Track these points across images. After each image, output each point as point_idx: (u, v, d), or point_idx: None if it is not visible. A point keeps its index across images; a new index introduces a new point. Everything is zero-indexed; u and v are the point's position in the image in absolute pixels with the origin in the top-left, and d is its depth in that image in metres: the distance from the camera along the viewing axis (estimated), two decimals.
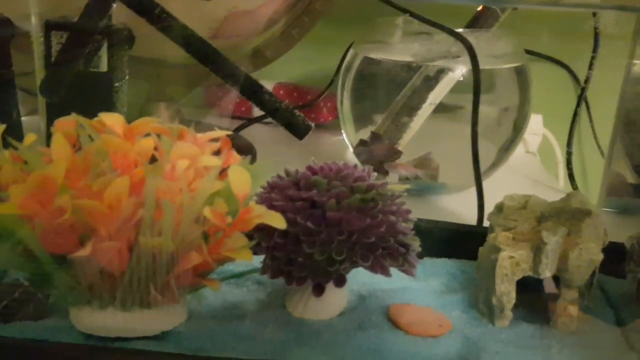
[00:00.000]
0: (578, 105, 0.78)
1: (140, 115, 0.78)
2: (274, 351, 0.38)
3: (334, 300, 0.41)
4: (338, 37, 0.81)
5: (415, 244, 0.40)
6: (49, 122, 0.46)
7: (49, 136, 0.46)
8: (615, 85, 0.66)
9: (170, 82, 0.75)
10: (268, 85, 0.95)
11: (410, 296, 0.44)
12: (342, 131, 0.75)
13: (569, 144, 0.78)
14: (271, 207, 0.38)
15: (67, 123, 0.38)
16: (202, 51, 0.42)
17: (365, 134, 0.70)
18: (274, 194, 0.40)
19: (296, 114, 0.44)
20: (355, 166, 0.41)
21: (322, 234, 0.38)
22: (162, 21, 0.41)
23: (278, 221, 0.35)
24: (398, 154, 0.66)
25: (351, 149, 0.75)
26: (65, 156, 0.34)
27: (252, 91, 0.43)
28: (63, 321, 0.39)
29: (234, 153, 0.41)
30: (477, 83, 0.57)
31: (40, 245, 0.35)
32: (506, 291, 0.41)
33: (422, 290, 0.45)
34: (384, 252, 0.38)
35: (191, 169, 0.36)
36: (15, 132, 0.45)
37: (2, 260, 0.38)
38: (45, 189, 0.33)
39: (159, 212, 0.35)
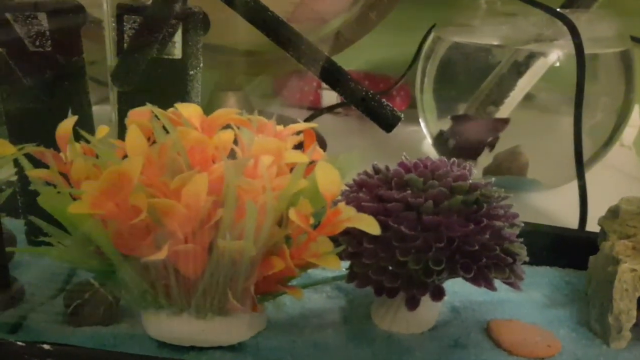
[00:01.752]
0: None
1: (208, 104, 0.75)
2: None
3: (426, 313, 0.37)
4: (412, 21, 0.76)
5: (523, 253, 0.35)
6: (120, 112, 0.43)
7: (120, 126, 0.43)
8: None
9: (239, 71, 0.72)
10: None
11: (511, 310, 0.39)
12: (420, 120, 0.70)
13: None
14: (359, 208, 0.35)
15: (142, 114, 0.35)
16: (284, 36, 0.38)
17: (446, 124, 0.66)
18: (362, 194, 0.36)
19: (384, 104, 0.40)
20: (454, 162, 0.37)
21: (417, 240, 0.33)
22: (245, 5, 0.38)
23: (371, 226, 0.31)
24: (505, 122, 0.60)
25: (429, 140, 0.70)
26: (141, 151, 0.31)
27: (336, 79, 0.39)
28: (134, 327, 0.37)
29: (318, 147, 0.38)
30: (582, 67, 0.51)
31: (112, 246, 0.33)
32: (626, 309, 0.35)
33: (522, 303, 0.40)
34: (489, 263, 0.34)
35: (275, 165, 0.33)
36: (87, 122, 0.43)
37: (73, 259, 0.36)
38: (120, 187, 0.30)
39: (239, 212, 0.32)
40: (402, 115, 0.40)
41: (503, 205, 0.35)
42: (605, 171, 0.68)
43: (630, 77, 0.60)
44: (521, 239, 0.36)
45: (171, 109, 0.37)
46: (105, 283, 0.37)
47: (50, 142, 0.36)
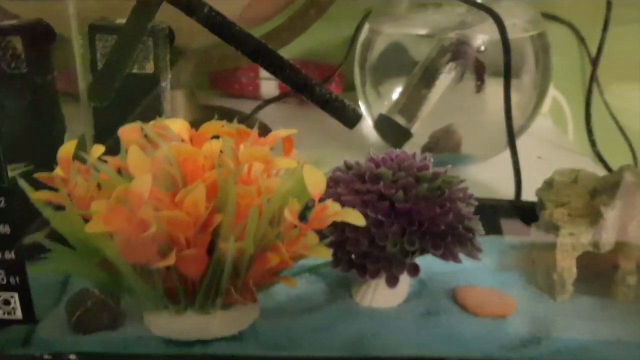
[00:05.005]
0: (592, 79, 0.79)
1: None
2: (352, 342, 0.39)
3: (400, 287, 0.42)
4: (345, 9, 0.81)
5: (480, 228, 0.41)
6: (96, 124, 0.46)
7: (97, 138, 0.46)
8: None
9: (185, 69, 0.74)
10: None
11: (469, 277, 0.45)
12: (360, 103, 0.75)
13: (587, 117, 0.79)
14: (339, 201, 0.39)
15: (132, 131, 0.38)
16: (253, 48, 0.42)
17: (384, 108, 0.70)
18: (340, 189, 0.40)
19: (346, 104, 0.44)
20: (414, 154, 0.41)
21: (393, 226, 0.38)
22: (211, 20, 0.41)
23: (356, 218, 0.36)
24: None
25: (369, 122, 0.75)
26: (145, 169, 0.34)
27: (303, 84, 0.43)
28: (138, 328, 0.40)
29: (294, 150, 0.42)
30: (508, 57, 0.58)
31: (121, 257, 0.35)
32: (567, 267, 0.42)
33: (477, 270, 0.46)
34: (454, 240, 0.39)
35: (266, 172, 0.37)
36: (60, 136, 0.45)
37: (79, 272, 0.38)
38: (130, 204, 0.33)
39: (236, 216, 0.36)
40: (363, 113, 0.44)
41: (461, 189, 0.40)
42: (528, 139, 0.76)
43: (547, 55, 0.67)
44: (477, 216, 0.41)
45: (152, 122, 0.39)
46: (107, 290, 0.40)
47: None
